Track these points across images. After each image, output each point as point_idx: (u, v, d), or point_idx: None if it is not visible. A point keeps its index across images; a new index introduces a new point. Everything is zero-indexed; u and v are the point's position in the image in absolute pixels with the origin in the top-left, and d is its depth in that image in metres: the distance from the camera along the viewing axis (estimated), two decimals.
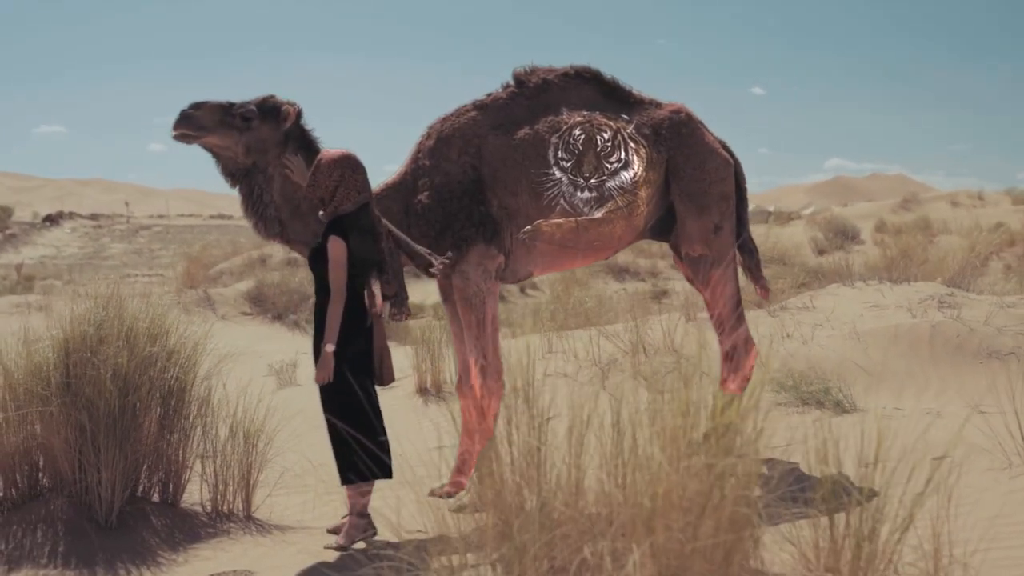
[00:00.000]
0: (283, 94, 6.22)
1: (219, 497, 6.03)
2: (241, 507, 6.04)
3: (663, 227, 6.58)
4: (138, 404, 5.81)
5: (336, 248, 5.49)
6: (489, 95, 6.45)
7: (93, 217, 64.08)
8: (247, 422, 6.07)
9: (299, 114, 6.15)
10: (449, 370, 10.11)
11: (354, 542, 5.47)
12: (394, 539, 5.50)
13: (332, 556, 5.36)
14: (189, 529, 5.82)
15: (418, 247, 5.87)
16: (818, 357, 8.81)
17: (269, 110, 6.09)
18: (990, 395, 8.20)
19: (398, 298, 5.71)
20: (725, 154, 6.58)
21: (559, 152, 6.19)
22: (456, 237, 6.12)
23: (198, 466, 6.13)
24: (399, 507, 6.08)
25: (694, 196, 6.41)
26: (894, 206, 42.74)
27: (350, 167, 5.58)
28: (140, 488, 5.97)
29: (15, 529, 5.61)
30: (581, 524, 3.32)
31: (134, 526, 5.73)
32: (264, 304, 18.61)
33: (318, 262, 5.58)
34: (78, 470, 5.74)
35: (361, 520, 5.51)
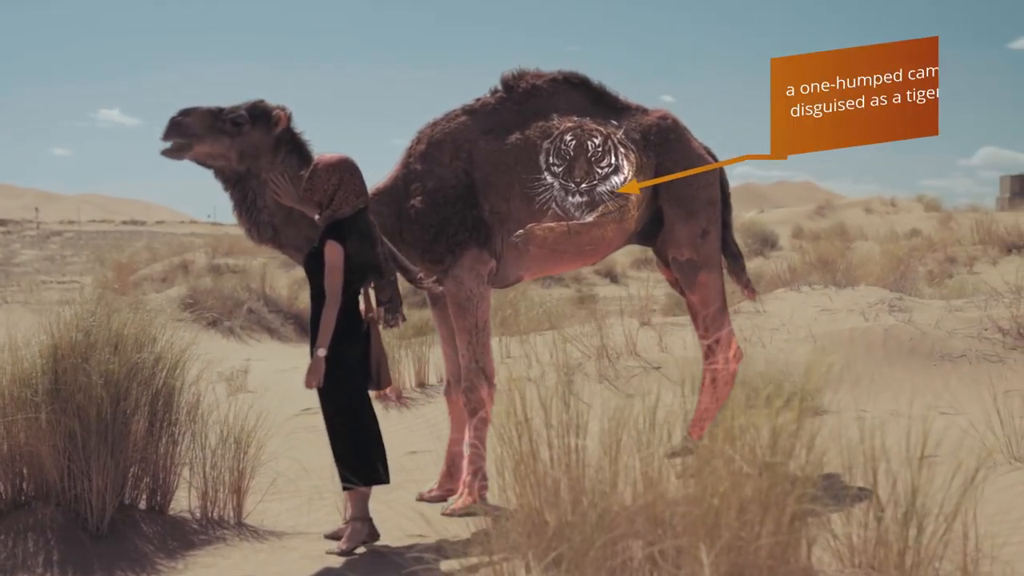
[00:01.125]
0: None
1: (209, 503, 5.97)
2: (232, 513, 5.97)
3: (649, 232, 6.65)
4: (128, 411, 5.74)
5: (333, 252, 5.47)
6: (478, 100, 6.47)
7: (1, 223, 62.63)
8: (238, 428, 6.02)
9: (290, 118, 6.11)
10: (408, 375, 10.10)
11: (356, 547, 5.45)
12: (400, 543, 5.52)
13: (337, 561, 5.33)
14: (181, 536, 5.74)
15: (407, 262, 5.87)
16: (777, 360, 8.96)
17: (260, 115, 6.04)
18: (945, 396, 8.45)
19: (392, 304, 5.70)
20: (710, 160, 6.68)
21: (550, 157, 6.23)
22: (450, 242, 6.14)
23: (185, 473, 6.06)
24: (400, 510, 6.10)
25: (682, 201, 6.50)
26: (810, 212, 43.57)
27: (348, 171, 5.56)
28: (127, 495, 5.88)
29: (4, 538, 5.50)
30: (638, 524, 3.36)
31: (125, 534, 5.65)
32: (198, 310, 18.35)
33: (314, 266, 5.55)
34: (67, 478, 5.65)
35: (363, 525, 5.49)
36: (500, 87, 6.49)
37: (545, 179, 6.22)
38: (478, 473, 6.19)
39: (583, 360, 9.38)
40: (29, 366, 5.71)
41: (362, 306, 5.64)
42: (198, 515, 5.96)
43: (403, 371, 10.03)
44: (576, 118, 6.37)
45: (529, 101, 6.43)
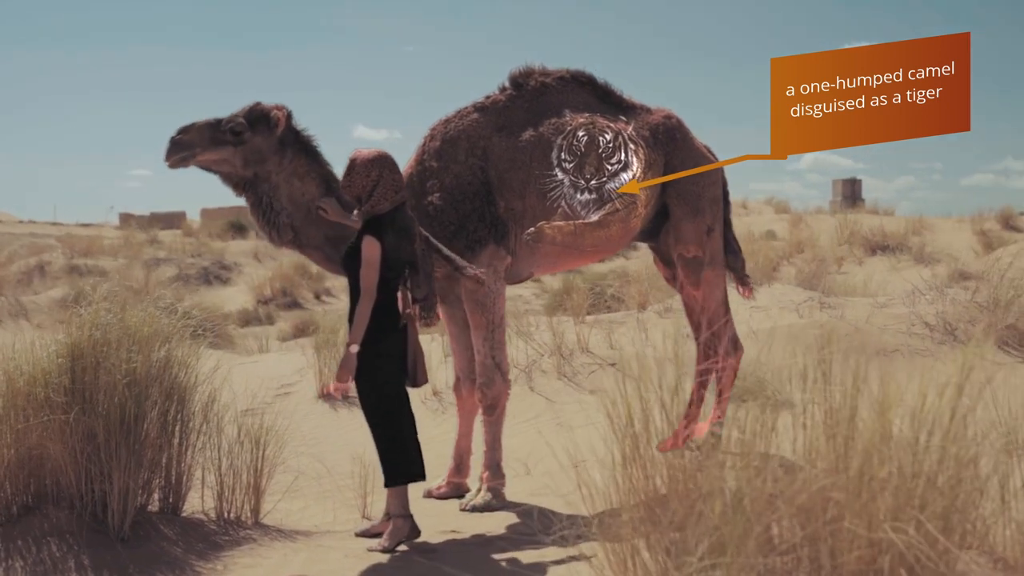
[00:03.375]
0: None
1: (224, 504, 5.86)
2: (249, 514, 5.88)
3: (651, 230, 6.77)
4: (147, 410, 5.61)
5: (370, 248, 5.44)
6: (488, 97, 6.50)
7: None
8: (256, 427, 5.93)
9: (289, 117, 6.03)
10: None
11: (398, 544, 5.43)
12: (436, 539, 5.51)
13: (385, 558, 5.30)
14: (203, 538, 5.63)
15: (451, 253, 5.87)
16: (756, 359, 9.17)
17: (258, 119, 5.95)
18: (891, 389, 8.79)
19: (428, 301, 5.71)
20: (713, 159, 6.84)
21: (562, 153, 6.29)
22: (469, 238, 6.16)
23: (198, 473, 5.94)
24: (414, 508, 6.08)
25: (689, 199, 6.62)
26: None
27: (387, 166, 5.54)
28: (140, 497, 5.73)
29: (26, 543, 5.31)
30: (792, 508, 3.46)
31: (148, 536, 5.51)
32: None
33: (352, 262, 5.51)
34: (86, 481, 5.49)
35: (404, 522, 5.47)
36: (508, 85, 6.53)
37: (556, 175, 6.28)
38: (495, 468, 6.24)
39: (537, 358, 9.47)
40: (47, 366, 5.53)
41: (400, 302, 5.62)
42: (213, 516, 5.86)
43: None
44: (588, 114, 6.45)
45: (539, 98, 6.48)
